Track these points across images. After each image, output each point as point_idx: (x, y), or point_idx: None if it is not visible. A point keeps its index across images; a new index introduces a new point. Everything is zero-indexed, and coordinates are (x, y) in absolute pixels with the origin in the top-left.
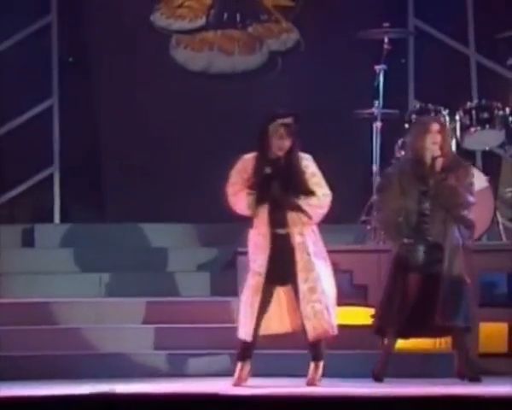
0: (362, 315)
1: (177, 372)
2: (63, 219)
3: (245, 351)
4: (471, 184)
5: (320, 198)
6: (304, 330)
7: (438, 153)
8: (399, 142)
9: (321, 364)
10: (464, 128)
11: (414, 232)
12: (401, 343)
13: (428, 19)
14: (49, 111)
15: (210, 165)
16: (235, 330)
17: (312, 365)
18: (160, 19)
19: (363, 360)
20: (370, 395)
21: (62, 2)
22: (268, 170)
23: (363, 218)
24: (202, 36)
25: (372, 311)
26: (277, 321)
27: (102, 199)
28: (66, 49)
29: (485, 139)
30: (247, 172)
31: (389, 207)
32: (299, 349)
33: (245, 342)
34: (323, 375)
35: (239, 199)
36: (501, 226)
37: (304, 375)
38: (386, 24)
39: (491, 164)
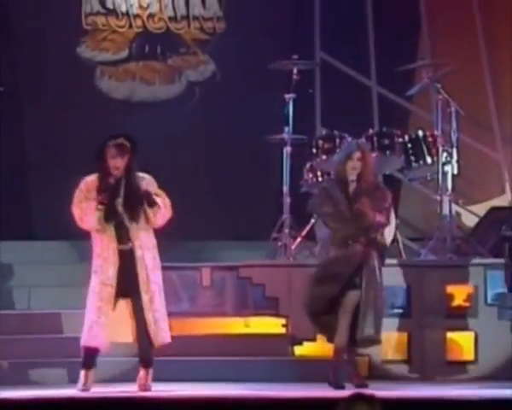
0: (273, 325)
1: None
2: None
3: (92, 359)
4: (387, 208)
5: (161, 204)
6: (141, 339)
7: (354, 178)
8: (307, 165)
9: (151, 370)
10: None
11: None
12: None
13: (334, 52)
14: None
15: None
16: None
17: (143, 371)
18: (85, 51)
19: (274, 365)
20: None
21: None
22: (111, 189)
23: (275, 235)
24: (125, 67)
25: (283, 321)
26: (124, 330)
27: (29, 217)
28: None
29: (386, 164)
30: (91, 192)
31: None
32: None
33: (93, 350)
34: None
35: (87, 215)
36: (401, 245)
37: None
38: (295, 56)
39: (391, 187)
